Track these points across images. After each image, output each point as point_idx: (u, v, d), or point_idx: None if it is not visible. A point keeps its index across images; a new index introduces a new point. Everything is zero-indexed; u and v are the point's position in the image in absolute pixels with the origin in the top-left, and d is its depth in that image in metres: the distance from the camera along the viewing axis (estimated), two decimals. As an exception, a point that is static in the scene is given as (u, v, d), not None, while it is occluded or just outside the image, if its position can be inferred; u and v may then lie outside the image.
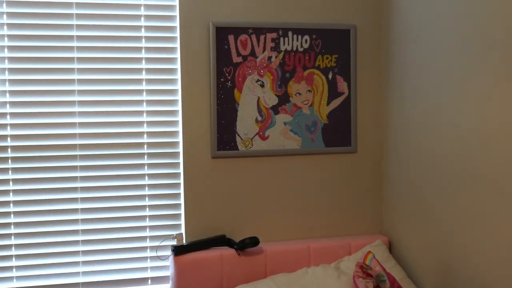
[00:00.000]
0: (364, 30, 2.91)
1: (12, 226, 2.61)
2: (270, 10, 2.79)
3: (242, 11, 2.76)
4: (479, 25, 2.08)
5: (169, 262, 2.70)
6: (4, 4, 2.55)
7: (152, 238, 2.77)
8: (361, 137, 2.94)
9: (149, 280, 2.77)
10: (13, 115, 2.59)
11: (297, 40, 2.81)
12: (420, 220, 2.52)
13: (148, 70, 2.74)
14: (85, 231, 2.71)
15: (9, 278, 2.63)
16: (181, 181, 2.77)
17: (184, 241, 2.71)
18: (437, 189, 2.39)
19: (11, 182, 2.61)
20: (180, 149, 2.76)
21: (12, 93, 2.58)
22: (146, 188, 2.76)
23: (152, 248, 2.75)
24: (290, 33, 2.80)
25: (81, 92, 2.66)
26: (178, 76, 2.76)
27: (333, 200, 2.90)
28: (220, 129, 2.74)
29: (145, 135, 2.75)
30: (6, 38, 2.55)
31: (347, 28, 2.88)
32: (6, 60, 2.56)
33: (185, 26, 2.69)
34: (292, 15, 2.82)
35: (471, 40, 2.13)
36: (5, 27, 2.54)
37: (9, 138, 2.59)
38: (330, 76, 2.87)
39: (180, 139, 2.76)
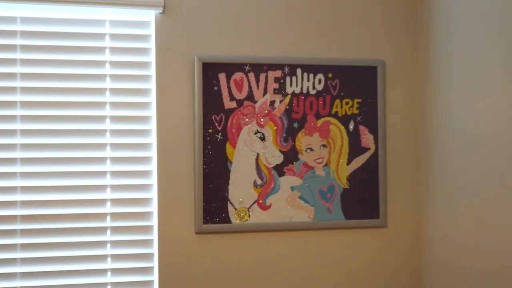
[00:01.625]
0: (394, 67, 2.85)
1: None
2: (273, 42, 2.72)
3: (237, 43, 2.69)
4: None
5: None
6: None
7: None
8: (393, 207, 2.84)
9: None
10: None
11: (308, 80, 2.74)
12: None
13: (114, 118, 2.66)
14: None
15: None
16: (155, 264, 2.64)
17: None
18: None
19: None
20: (154, 222, 2.64)
21: None
22: (109, 274, 2.62)
23: None
24: (299, 71, 2.73)
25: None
26: (152, 126, 2.65)
27: (356, 290, 2.73)
28: (207, 195, 2.63)
29: (108, 203, 2.63)
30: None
31: (373, 65, 2.80)
32: None
33: (162, 61, 2.63)
34: (302, 48, 2.75)
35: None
36: None
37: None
38: (351, 127, 2.79)
39: (154, 208, 2.63)
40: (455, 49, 2.54)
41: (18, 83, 2.58)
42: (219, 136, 2.65)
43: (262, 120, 2.70)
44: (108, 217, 2.63)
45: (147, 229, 2.68)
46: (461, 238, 2.52)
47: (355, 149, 2.79)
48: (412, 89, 2.87)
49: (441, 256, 2.68)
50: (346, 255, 2.80)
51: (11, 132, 2.58)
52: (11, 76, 2.58)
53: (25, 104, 2.58)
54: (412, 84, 2.87)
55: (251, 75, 2.69)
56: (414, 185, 2.87)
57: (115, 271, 2.64)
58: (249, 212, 2.68)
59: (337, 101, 2.77)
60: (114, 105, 2.65)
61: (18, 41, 2.59)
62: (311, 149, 2.74)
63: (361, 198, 2.79)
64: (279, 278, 2.73)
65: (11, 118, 2.58)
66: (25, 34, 2.59)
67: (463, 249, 2.50)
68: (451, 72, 2.57)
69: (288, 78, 2.73)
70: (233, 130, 2.67)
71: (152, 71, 2.67)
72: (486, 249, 2.34)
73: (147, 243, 2.68)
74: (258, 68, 2.69)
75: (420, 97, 2.84)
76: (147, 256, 2.67)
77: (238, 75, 2.68)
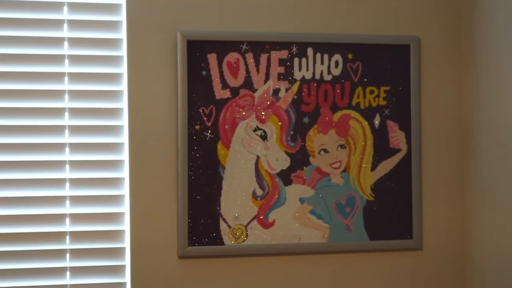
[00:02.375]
0: (432, 46, 2.84)
1: None
2: (277, 13, 2.72)
3: (231, 15, 2.69)
4: None
5: None
6: None
7: None
8: (430, 225, 2.84)
9: None
10: None
11: (322, 63, 2.72)
12: None
13: (75, 112, 2.62)
14: None
15: None
16: None
17: None
18: None
19: None
20: (126, 243, 2.64)
21: None
22: None
23: None
24: (310, 51, 2.72)
25: None
26: (123, 121, 2.66)
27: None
28: (193, 210, 2.63)
29: (66, 220, 2.59)
30: None
31: (406, 43, 2.79)
32: None
33: (136, 39, 2.62)
34: (314, 21, 2.75)
35: None
36: None
37: None
38: (377, 122, 2.77)
39: (125, 226, 2.65)
40: (510, 23, 2.53)
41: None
42: (208, 134, 2.64)
43: (263, 113, 2.69)
44: (68, 238, 2.59)
45: (117, 252, 2.64)
46: None
47: (382, 150, 2.78)
48: (455, 74, 2.86)
49: (491, 285, 2.67)
50: (370, 285, 2.79)
51: None
52: None
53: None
54: (455, 68, 2.86)
55: (249, 56, 2.67)
56: (457, 197, 2.87)
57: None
58: (246, 230, 2.68)
59: (359, 90, 2.75)
60: (75, 94, 2.62)
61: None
62: (325, 151, 2.74)
63: (390, 213, 2.79)
64: (285, 315, 2.71)
65: None
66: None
67: None
68: (506, 52, 2.55)
69: (296, 60, 2.70)
70: (227, 127, 2.65)
71: (123, 52, 2.63)
72: None
73: (116, 270, 2.64)
74: (259, 47, 2.67)
75: (465, 85, 2.85)
76: (117, 287, 2.65)
77: (232, 56, 2.66)
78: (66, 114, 2.60)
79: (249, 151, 2.65)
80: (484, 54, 2.70)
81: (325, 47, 2.71)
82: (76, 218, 2.60)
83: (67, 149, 2.59)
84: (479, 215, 2.75)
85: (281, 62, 2.67)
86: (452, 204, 2.85)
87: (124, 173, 2.61)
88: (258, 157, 2.66)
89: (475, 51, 2.75)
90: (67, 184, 2.58)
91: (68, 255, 2.58)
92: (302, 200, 2.69)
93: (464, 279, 2.87)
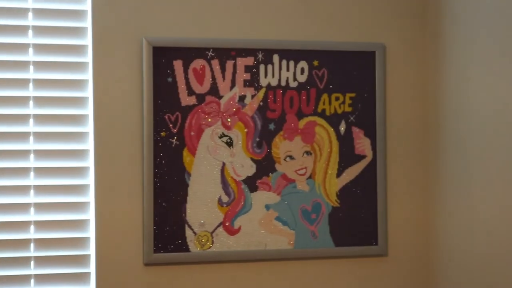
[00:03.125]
0: (397, 53, 2.89)
1: None
2: (243, 20, 2.77)
3: (197, 21, 2.72)
4: None
5: None
6: None
7: None
8: (395, 231, 2.88)
9: None
10: None
11: (288, 69, 2.77)
12: None
13: (40, 118, 2.64)
14: None
15: None
16: None
17: None
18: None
19: None
20: (91, 250, 2.66)
21: None
22: None
23: None
24: (276, 58, 2.76)
25: None
26: (88, 128, 2.68)
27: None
28: (158, 217, 2.66)
29: (31, 228, 2.61)
30: None
31: (371, 50, 2.83)
32: None
33: (101, 45, 2.64)
34: (279, 28, 2.79)
35: None
36: None
37: None
38: (342, 129, 2.82)
39: (90, 233, 2.67)
40: (474, 30, 2.59)
41: None
42: (174, 141, 2.67)
43: (229, 120, 2.72)
44: (32, 245, 2.60)
45: (82, 259, 2.66)
46: (482, 269, 2.56)
47: (347, 157, 2.82)
48: (420, 81, 2.90)
49: None
50: None
51: None
52: None
53: None
54: (420, 75, 2.90)
55: (215, 63, 2.70)
56: (422, 203, 2.91)
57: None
58: (212, 237, 2.71)
59: (325, 96, 2.79)
60: (40, 101, 2.64)
61: None
62: (291, 157, 2.77)
63: (355, 220, 2.83)
64: (251, 322, 2.75)
65: None
66: None
67: (485, 283, 2.54)
68: (468, 59, 2.63)
69: (262, 67, 2.74)
70: (192, 134, 2.68)
71: (88, 58, 2.65)
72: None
73: (81, 277, 2.66)
74: (224, 53, 2.71)
75: (430, 91, 2.89)
76: None
77: (198, 63, 2.69)
78: (31, 121, 2.58)
79: (215, 158, 2.69)
80: (449, 61, 2.74)
81: (291, 54, 2.74)
82: (41, 225, 2.61)
83: (31, 155, 2.60)
84: (444, 222, 2.78)
85: (247, 68, 2.71)
86: (417, 211, 2.88)
87: (90, 180, 2.62)
88: (224, 163, 2.69)
89: (440, 57, 2.79)
90: (32, 191, 2.58)
91: (32, 262, 2.59)
92: (267, 207, 2.73)
93: (428, 285, 2.89)
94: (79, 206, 2.65)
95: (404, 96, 2.88)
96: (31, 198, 2.61)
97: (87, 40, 2.63)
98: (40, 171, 2.62)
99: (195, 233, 2.67)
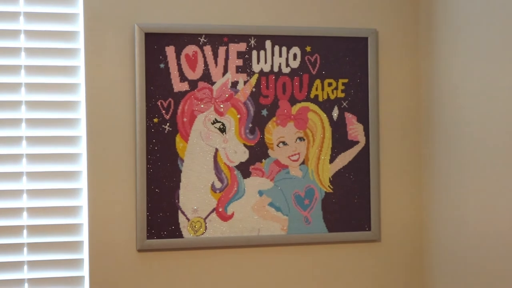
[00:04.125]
0: (390, 39, 2.89)
1: None
2: (235, 6, 2.77)
3: (189, 7, 2.72)
4: None
5: None
6: None
7: None
8: (388, 216, 2.90)
9: None
10: None
11: (281, 55, 2.78)
12: None
13: (32, 105, 2.64)
14: None
15: None
16: None
17: None
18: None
19: None
20: (84, 237, 2.68)
21: None
22: None
23: None
24: (268, 44, 2.77)
25: None
26: (80, 114, 2.69)
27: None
28: (152, 203, 2.68)
29: (24, 214, 2.63)
30: None
31: (363, 36, 2.84)
32: None
33: (93, 31, 2.65)
34: (272, 14, 2.79)
35: None
36: None
37: None
38: (335, 115, 2.83)
39: (83, 219, 2.68)
40: (468, 15, 2.59)
41: None
42: (167, 127, 2.68)
43: (221, 106, 2.73)
44: (25, 231, 2.61)
45: (75, 246, 2.67)
46: (473, 256, 2.57)
47: (340, 142, 2.83)
48: (412, 66, 2.91)
49: (448, 277, 2.73)
50: (329, 276, 2.84)
51: None
52: None
53: None
54: (412, 60, 2.91)
55: (208, 49, 2.71)
56: (414, 188, 2.92)
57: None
58: (205, 223, 2.71)
59: (317, 82, 2.80)
60: (32, 87, 2.64)
61: None
62: (284, 143, 2.78)
63: (348, 205, 2.84)
64: (244, 307, 2.75)
65: None
66: None
67: (474, 267, 2.56)
68: (462, 45, 2.62)
69: (254, 53, 2.75)
70: (185, 120, 2.69)
71: (80, 44, 2.66)
72: (502, 268, 2.39)
73: (74, 263, 2.67)
74: (217, 39, 2.72)
75: (422, 77, 2.89)
76: (75, 281, 2.67)
77: (190, 49, 2.69)
78: (23, 107, 2.60)
79: (207, 144, 2.70)
80: (442, 46, 2.74)
81: (283, 40, 2.75)
82: (34, 211, 2.62)
83: (24, 142, 2.60)
84: (437, 206, 2.79)
85: (240, 54, 2.72)
86: (410, 196, 2.90)
87: (82, 166, 2.62)
88: (216, 150, 2.71)
89: (432, 43, 2.79)
90: (24, 178, 2.59)
91: (25, 248, 2.60)
92: (261, 193, 2.74)
93: (421, 269, 2.91)
94: (72, 192, 2.66)
95: (397, 82, 2.89)
96: (24, 184, 2.61)
97: (79, 27, 2.64)
98: (33, 158, 2.63)
99: (188, 219, 2.68)
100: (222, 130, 2.72)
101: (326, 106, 2.80)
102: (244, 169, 2.74)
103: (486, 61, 2.48)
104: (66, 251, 2.67)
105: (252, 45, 2.74)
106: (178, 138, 2.67)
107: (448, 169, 2.71)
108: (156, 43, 2.65)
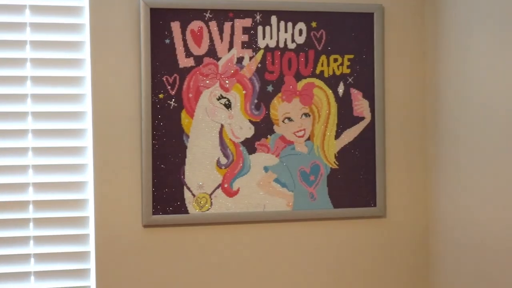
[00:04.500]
0: (396, 14, 2.89)
1: None
2: None
3: None
4: None
5: None
6: None
7: None
8: (393, 192, 2.92)
9: None
10: None
11: (286, 31, 2.77)
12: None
13: (37, 80, 2.64)
14: None
15: None
16: (91, 266, 2.71)
17: None
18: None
19: None
20: (90, 212, 2.70)
21: None
22: (32, 278, 2.66)
23: None
24: (274, 19, 2.77)
25: None
26: (85, 90, 2.69)
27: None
28: (157, 179, 2.69)
29: (30, 189, 2.64)
30: None
31: (369, 11, 2.84)
32: None
33: (98, 6, 2.64)
34: None
35: None
36: None
37: None
38: (340, 91, 2.83)
39: (89, 195, 2.70)
40: None
41: None
42: (172, 102, 2.68)
43: (227, 82, 2.72)
44: (31, 206, 2.63)
45: (81, 221, 2.69)
46: (477, 230, 2.58)
47: (346, 119, 2.84)
48: (418, 42, 2.91)
49: (452, 253, 2.73)
50: (334, 252, 2.85)
51: None
52: None
53: None
54: (418, 36, 2.91)
55: (213, 25, 2.71)
56: (420, 164, 2.92)
57: (40, 275, 2.67)
58: (211, 199, 2.72)
59: (323, 58, 2.80)
60: (37, 62, 2.64)
61: None
62: (289, 119, 2.79)
63: (353, 181, 2.85)
64: (248, 281, 2.79)
65: None
66: None
67: (479, 244, 2.56)
68: (473, 20, 2.60)
69: (260, 28, 2.75)
70: (190, 95, 2.69)
71: (85, 19, 2.66)
72: (507, 245, 2.39)
73: (80, 239, 2.69)
74: (222, 15, 2.71)
75: (429, 53, 2.88)
76: (81, 256, 2.69)
77: (196, 25, 2.69)
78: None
79: (213, 120, 2.70)
80: (448, 22, 2.73)
81: (289, 15, 2.75)
82: (39, 187, 2.63)
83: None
84: (442, 183, 2.79)
85: (245, 30, 2.72)
86: (415, 172, 2.91)
87: (88, 142, 2.63)
88: (222, 125, 2.71)
89: (438, 18, 2.78)
90: (30, 153, 2.60)
91: (31, 224, 2.61)
92: (266, 169, 2.75)
93: (427, 246, 2.92)
94: (78, 168, 2.67)
95: (403, 59, 2.89)
96: (30, 159, 2.61)
97: (84, 2, 2.63)
98: (39, 133, 2.63)
99: (193, 195, 2.69)
100: (228, 106, 2.72)
101: (331, 82, 2.80)
102: (250, 145, 2.74)
103: (493, 36, 2.46)
104: (72, 227, 2.66)
105: (258, 21, 2.73)
106: (183, 114, 2.67)
107: (455, 145, 2.70)
108: (161, 19, 2.64)
